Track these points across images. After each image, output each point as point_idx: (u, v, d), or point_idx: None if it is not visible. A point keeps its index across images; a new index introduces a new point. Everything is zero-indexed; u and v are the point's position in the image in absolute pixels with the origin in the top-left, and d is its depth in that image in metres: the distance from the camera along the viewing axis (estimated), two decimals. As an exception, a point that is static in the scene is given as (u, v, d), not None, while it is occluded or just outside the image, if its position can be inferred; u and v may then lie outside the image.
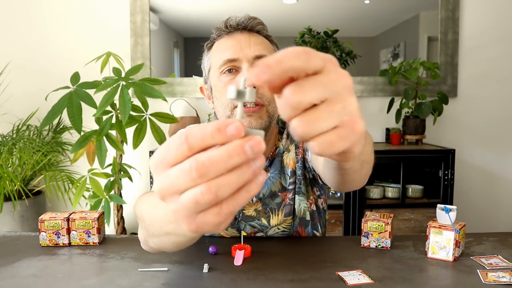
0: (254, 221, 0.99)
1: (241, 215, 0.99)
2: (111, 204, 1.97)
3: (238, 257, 0.82)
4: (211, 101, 0.97)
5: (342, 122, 0.36)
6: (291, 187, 1.00)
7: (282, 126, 1.05)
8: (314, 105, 0.35)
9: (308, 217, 1.02)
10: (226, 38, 0.92)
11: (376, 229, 0.91)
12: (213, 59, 0.93)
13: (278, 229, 1.01)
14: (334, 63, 0.36)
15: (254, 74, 0.35)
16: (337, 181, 0.77)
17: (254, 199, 0.99)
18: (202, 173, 0.34)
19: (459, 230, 0.84)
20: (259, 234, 1.01)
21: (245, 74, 0.87)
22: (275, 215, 0.99)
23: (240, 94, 0.38)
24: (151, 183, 2.00)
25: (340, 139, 0.36)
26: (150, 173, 2.01)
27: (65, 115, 1.87)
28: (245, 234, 0.97)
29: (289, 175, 1.00)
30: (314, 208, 1.04)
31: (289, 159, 1.01)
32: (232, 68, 0.89)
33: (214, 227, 0.36)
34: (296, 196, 1.01)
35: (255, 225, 0.99)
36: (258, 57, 0.89)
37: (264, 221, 0.99)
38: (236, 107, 0.89)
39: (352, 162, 0.40)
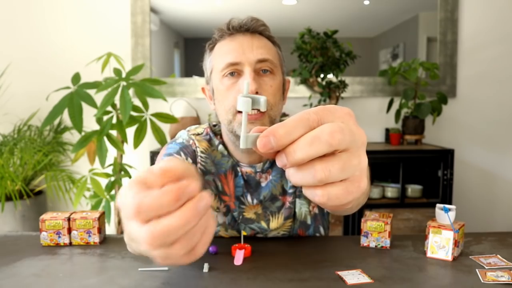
0: (254, 223, 0.99)
1: (241, 217, 0.98)
2: (112, 204, 1.97)
3: (238, 256, 0.82)
4: (212, 102, 0.97)
5: (353, 176, 0.36)
6: (291, 190, 0.99)
7: None
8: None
9: (309, 221, 1.01)
10: (229, 40, 0.91)
11: (376, 229, 0.91)
12: (215, 61, 0.93)
13: (278, 233, 1.00)
14: (351, 119, 0.37)
15: (261, 143, 0.35)
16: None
17: (255, 201, 0.98)
18: (160, 243, 0.35)
19: (458, 229, 0.84)
20: (259, 235, 1.00)
21: (247, 78, 0.86)
22: (275, 218, 0.98)
23: (253, 102, 0.40)
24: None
25: (346, 194, 0.35)
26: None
27: (66, 115, 1.88)
28: (245, 234, 0.98)
29: None
30: (317, 211, 1.03)
31: None
32: (235, 71, 0.89)
33: (181, 261, 0.38)
34: (297, 199, 1.00)
35: (254, 227, 0.99)
36: (260, 60, 0.89)
37: (263, 224, 0.98)
38: (238, 112, 0.88)
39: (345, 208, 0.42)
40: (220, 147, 0.97)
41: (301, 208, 1.00)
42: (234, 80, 0.89)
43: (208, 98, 1.00)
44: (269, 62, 0.90)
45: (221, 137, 1.00)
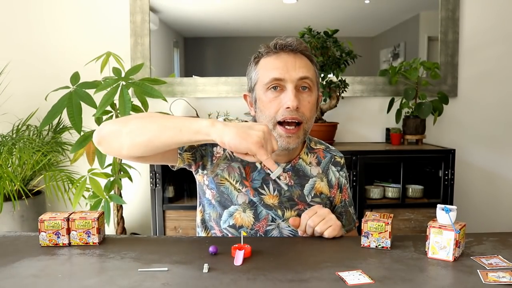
0: (271, 210, 1.06)
1: (262, 202, 1.06)
2: (111, 204, 1.97)
3: (238, 257, 0.82)
4: (253, 109, 1.09)
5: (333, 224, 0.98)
6: (312, 203, 1.09)
7: (309, 142, 1.17)
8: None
9: None
10: (274, 58, 1.03)
11: (376, 229, 0.91)
12: (260, 74, 1.04)
13: (289, 226, 1.07)
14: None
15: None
16: None
17: (275, 192, 1.07)
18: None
19: (459, 230, 0.84)
20: (270, 226, 1.07)
21: (290, 95, 0.99)
22: (288, 211, 1.08)
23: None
24: (151, 183, 2.01)
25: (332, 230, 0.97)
26: (150, 173, 2.02)
27: (65, 115, 1.87)
28: (245, 234, 0.97)
29: (319, 196, 1.11)
30: None
31: (321, 186, 1.12)
32: (278, 86, 1.01)
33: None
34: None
35: (270, 213, 1.06)
36: (301, 78, 1.01)
37: (279, 212, 1.07)
38: (278, 122, 1.01)
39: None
40: None
41: None
42: (277, 94, 1.01)
43: (248, 104, 1.12)
44: (309, 79, 1.02)
45: None
